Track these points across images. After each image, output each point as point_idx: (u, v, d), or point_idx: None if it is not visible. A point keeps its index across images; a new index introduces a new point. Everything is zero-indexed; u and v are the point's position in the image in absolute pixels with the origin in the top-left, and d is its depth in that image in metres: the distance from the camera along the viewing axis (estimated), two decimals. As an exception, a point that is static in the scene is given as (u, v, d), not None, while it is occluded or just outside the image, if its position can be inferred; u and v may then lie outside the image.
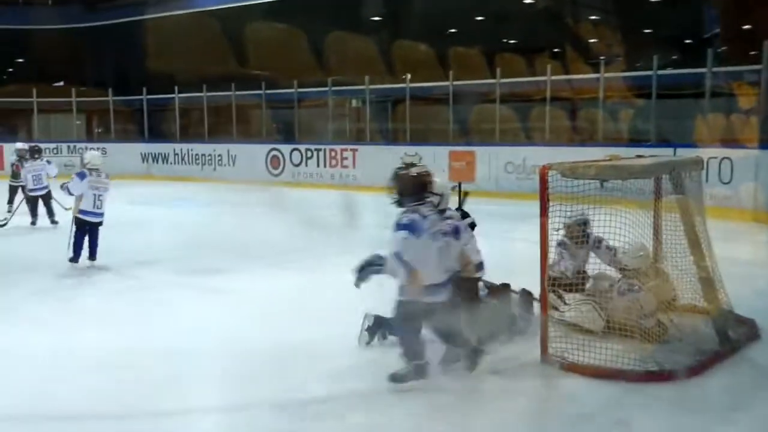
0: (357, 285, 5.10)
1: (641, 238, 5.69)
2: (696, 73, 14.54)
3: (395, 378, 4.83)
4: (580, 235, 6.09)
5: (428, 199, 4.87)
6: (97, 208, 8.71)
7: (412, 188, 4.80)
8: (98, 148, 21.62)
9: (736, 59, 16.45)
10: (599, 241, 6.11)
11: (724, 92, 14.53)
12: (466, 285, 5.35)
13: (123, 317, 6.78)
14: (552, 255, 5.67)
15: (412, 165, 5.31)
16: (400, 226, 4.65)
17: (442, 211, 5.11)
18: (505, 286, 6.03)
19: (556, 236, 5.59)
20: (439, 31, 21.27)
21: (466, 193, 6.24)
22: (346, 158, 19.02)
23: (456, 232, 5.04)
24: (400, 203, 4.82)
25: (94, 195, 8.65)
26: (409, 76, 18.99)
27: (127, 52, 26.75)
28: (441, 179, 5.28)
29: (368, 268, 5.10)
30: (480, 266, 5.53)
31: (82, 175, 8.69)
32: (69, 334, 6.10)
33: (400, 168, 5.08)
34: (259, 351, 5.56)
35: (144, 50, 25.88)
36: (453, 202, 5.75)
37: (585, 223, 6.05)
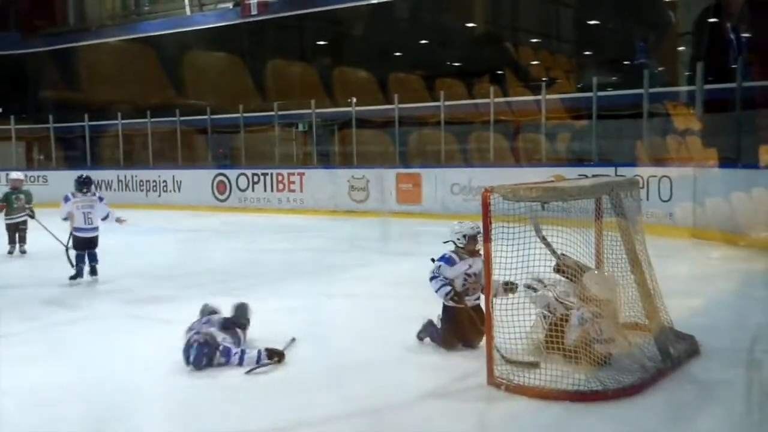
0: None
1: (584, 257, 5.76)
2: (634, 94, 14.90)
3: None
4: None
5: None
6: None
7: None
8: (39, 177, 21.36)
9: (673, 80, 17.03)
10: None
11: (660, 113, 14.92)
12: None
13: (68, 350, 6.57)
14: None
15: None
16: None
17: None
18: None
19: (500, 261, 5.51)
20: (381, 55, 21.42)
21: None
22: (293, 182, 18.94)
23: None
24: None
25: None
26: (354, 99, 19.04)
27: (67, 78, 26.27)
28: None
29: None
30: None
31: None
32: (7, 368, 5.85)
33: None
34: (204, 385, 5.45)
35: (83, 77, 25.47)
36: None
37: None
